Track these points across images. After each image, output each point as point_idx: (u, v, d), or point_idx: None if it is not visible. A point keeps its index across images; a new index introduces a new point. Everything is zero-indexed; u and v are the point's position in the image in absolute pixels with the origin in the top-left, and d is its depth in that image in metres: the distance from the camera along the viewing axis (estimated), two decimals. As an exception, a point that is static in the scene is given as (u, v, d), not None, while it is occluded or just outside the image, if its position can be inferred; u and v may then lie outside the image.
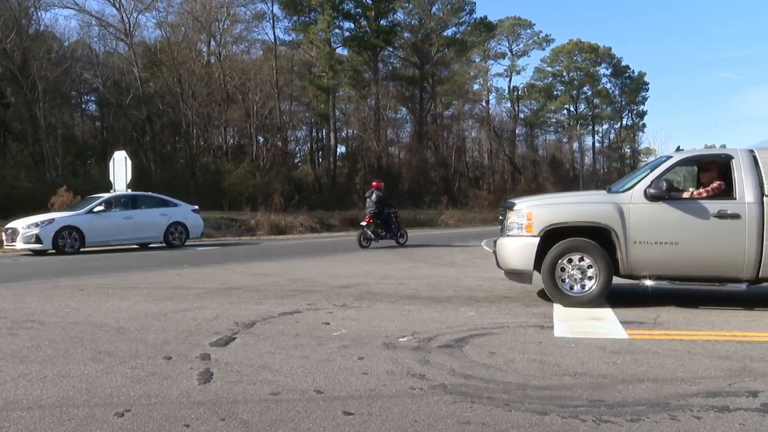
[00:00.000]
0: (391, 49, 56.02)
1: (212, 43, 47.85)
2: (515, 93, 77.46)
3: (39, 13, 40.39)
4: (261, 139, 48.50)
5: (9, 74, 35.22)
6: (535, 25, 77.02)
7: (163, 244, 19.47)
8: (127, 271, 12.42)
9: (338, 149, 55.41)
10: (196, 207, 20.99)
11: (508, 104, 77.58)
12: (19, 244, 16.84)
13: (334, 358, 5.07)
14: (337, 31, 50.74)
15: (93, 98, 48.60)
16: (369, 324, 6.55)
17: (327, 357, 5.11)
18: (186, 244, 19.97)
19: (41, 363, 4.93)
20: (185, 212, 20.17)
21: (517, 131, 75.85)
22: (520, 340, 5.77)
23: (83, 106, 50.09)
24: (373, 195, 18.77)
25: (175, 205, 20.14)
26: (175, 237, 19.49)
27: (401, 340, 5.75)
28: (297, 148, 59.85)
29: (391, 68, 59.12)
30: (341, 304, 7.86)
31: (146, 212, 19.29)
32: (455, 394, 4.15)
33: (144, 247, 19.40)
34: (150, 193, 21.51)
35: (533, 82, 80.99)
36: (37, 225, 16.91)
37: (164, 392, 4.17)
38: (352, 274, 11.65)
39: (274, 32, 51.56)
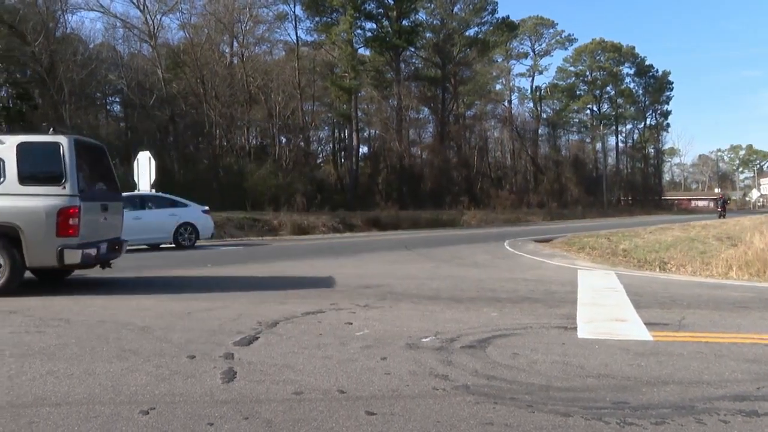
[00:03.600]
0: (412, 50, 55.86)
1: (235, 44, 48.09)
2: (538, 93, 77.02)
3: (66, 16, 40.84)
4: (283, 140, 48.66)
5: (37, 76, 35.71)
6: (557, 24, 76.53)
7: (173, 245, 19.11)
8: (151, 270, 12.54)
9: (360, 149, 55.41)
10: (206, 207, 20.58)
11: (531, 104, 77.24)
12: None
13: (357, 358, 5.07)
14: (359, 31, 50.69)
15: (117, 99, 49.15)
16: (392, 324, 6.55)
17: (350, 357, 5.12)
18: (197, 244, 19.64)
19: (68, 360, 4.99)
20: (195, 213, 19.79)
21: (539, 131, 75.46)
22: (543, 341, 5.74)
23: (108, 107, 50.69)
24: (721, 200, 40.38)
25: (185, 205, 19.80)
26: (184, 238, 19.14)
27: (424, 340, 5.74)
28: (319, 149, 60.00)
29: (413, 68, 59.01)
30: (364, 304, 7.86)
31: (155, 212, 19.00)
32: (478, 394, 4.15)
33: (154, 247, 19.04)
34: (160, 194, 21.20)
35: (556, 81, 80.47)
36: None
37: (188, 391, 4.21)
38: (374, 274, 11.66)
39: (296, 33, 51.60)
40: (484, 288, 9.60)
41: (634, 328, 6.36)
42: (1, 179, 8.64)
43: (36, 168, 8.84)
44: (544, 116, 77.86)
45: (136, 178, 23.20)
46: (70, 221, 8.59)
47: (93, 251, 8.99)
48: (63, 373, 4.62)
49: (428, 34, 58.10)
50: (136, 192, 21.76)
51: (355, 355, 5.20)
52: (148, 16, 41.44)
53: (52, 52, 35.47)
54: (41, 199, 8.62)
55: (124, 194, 19.72)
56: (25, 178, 8.67)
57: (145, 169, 22.86)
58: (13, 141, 8.81)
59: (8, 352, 5.26)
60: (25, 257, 8.63)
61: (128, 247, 18.22)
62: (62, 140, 8.80)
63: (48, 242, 8.53)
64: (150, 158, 22.98)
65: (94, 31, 64.80)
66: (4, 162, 8.66)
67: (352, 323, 6.58)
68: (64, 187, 8.63)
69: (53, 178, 8.69)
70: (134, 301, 8.19)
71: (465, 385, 4.37)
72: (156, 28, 42.16)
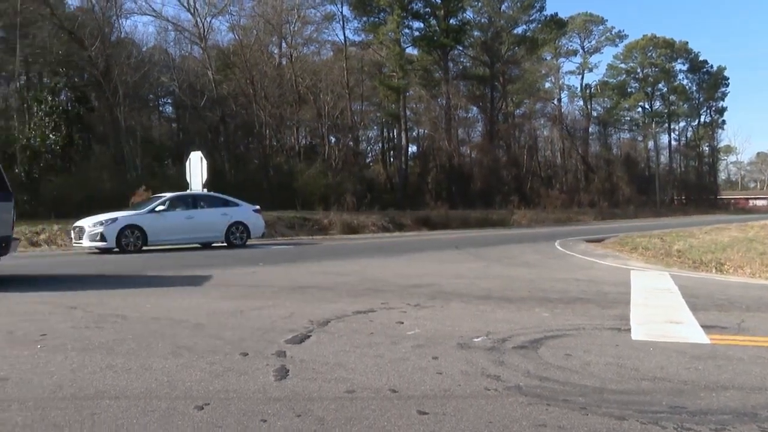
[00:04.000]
0: (460, 48, 55.64)
1: (283, 44, 48.54)
2: (588, 91, 75.91)
3: (120, 21, 41.87)
4: (333, 139, 48.93)
5: (93, 80, 36.76)
6: (607, 21, 75.42)
7: (224, 244, 19.31)
8: (202, 269, 12.71)
9: (409, 149, 55.47)
10: (258, 207, 20.74)
11: (581, 102, 76.15)
12: (86, 242, 17.04)
13: (409, 357, 5.07)
14: (406, 31, 50.71)
15: (169, 101, 50.10)
16: (443, 324, 6.53)
17: (401, 356, 5.12)
18: (248, 243, 19.77)
19: (126, 356, 5.11)
20: (246, 212, 19.99)
21: (590, 130, 74.35)
22: (596, 343, 5.65)
23: (160, 108, 51.70)
24: None
25: (237, 204, 20.02)
26: (236, 237, 19.29)
27: (475, 340, 5.71)
28: (368, 148, 60.14)
29: (461, 67, 58.78)
30: (415, 303, 7.84)
31: (207, 212, 19.24)
32: (530, 395, 4.10)
33: (206, 246, 19.30)
34: (212, 193, 21.45)
35: (606, 79, 79.24)
36: (101, 223, 17.07)
37: (242, 387, 4.26)
38: (425, 274, 11.65)
39: (344, 33, 52.22)
40: (535, 288, 9.51)
41: (690, 331, 6.22)
42: None
43: None
44: (595, 114, 76.69)
45: (188, 178, 23.55)
46: None
47: None
48: (121, 368, 4.74)
49: (476, 33, 57.82)
50: (188, 192, 22.13)
51: (406, 354, 5.20)
52: (198, 19, 42.14)
53: (107, 56, 36.44)
54: None
55: (177, 193, 20.43)
56: None
57: (197, 169, 23.19)
58: None
59: (70, 346, 5.42)
60: None
61: (180, 246, 18.90)
62: None
63: None
64: (202, 158, 23.30)
65: (147, 35, 66.23)
66: None
67: (403, 322, 6.59)
68: None
69: None
70: (187, 299, 8.34)
71: (517, 385, 4.33)
72: (206, 30, 42.82)
